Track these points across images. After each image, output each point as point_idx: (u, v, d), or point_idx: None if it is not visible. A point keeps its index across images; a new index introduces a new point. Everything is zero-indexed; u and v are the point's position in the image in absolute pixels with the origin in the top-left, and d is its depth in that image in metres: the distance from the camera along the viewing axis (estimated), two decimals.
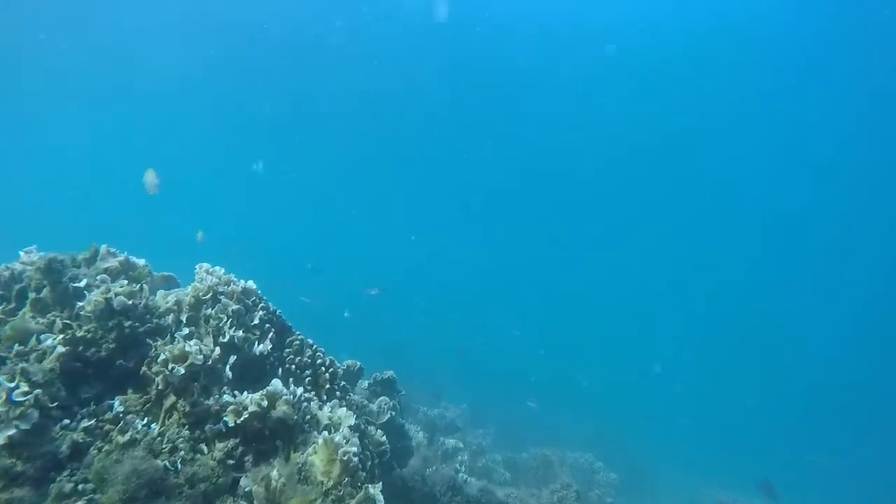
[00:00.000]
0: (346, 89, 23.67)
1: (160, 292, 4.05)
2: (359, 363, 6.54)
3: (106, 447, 3.07)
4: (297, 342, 4.52)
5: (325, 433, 3.61)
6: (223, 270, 4.47)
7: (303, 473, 3.36)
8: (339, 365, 4.66)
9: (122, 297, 3.55)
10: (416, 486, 5.89)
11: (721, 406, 33.83)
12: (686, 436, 23.14)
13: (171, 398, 3.51)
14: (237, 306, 4.18)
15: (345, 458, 3.35)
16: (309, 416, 3.78)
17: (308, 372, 4.38)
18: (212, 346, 3.85)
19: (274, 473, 3.29)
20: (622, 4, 17.72)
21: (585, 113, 23.07)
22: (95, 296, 3.50)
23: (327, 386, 4.40)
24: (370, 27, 19.61)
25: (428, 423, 12.87)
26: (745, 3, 16.99)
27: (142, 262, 4.25)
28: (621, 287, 39.04)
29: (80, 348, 3.36)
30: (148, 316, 3.76)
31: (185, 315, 3.93)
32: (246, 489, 3.24)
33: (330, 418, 3.89)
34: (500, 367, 23.20)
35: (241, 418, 3.50)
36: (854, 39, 17.08)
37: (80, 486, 2.82)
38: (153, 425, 3.32)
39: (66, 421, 3.09)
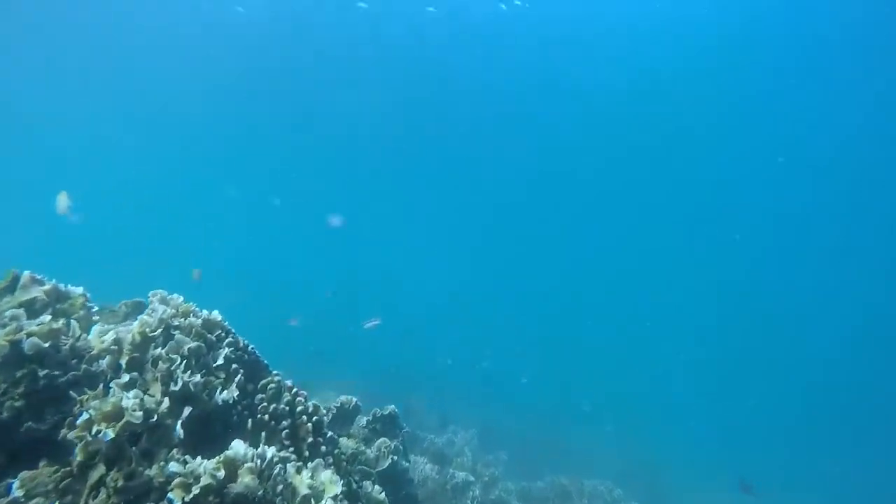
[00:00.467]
0: (350, 100, 23.21)
1: (95, 329, 3.24)
2: (354, 399, 5.70)
3: None
4: (273, 385, 3.69)
5: None
6: (182, 299, 3.66)
7: None
8: (324, 412, 3.82)
9: (35, 339, 2.74)
10: None
11: (737, 412, 33.36)
12: (705, 446, 22.27)
13: (100, 470, 2.68)
14: (196, 343, 3.36)
15: None
16: (283, 486, 2.93)
17: (286, 423, 3.54)
18: (159, 396, 3.03)
19: None
20: (624, 9, 17.19)
21: (584, 116, 22.53)
22: None
23: (309, 439, 3.55)
24: (379, 37, 19.22)
25: (436, 452, 11.94)
26: (744, 4, 16.49)
27: (78, 290, 3.45)
28: (621, 294, 38.53)
29: None
30: (75, 361, 2.95)
31: (126, 358, 3.11)
32: None
33: (311, 486, 3.04)
34: (509, 387, 22.30)
35: (191, 495, 2.66)
36: (855, 39, 16.59)
37: None
38: None
39: None
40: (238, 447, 2.85)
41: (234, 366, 3.51)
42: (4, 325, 2.77)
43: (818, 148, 21.19)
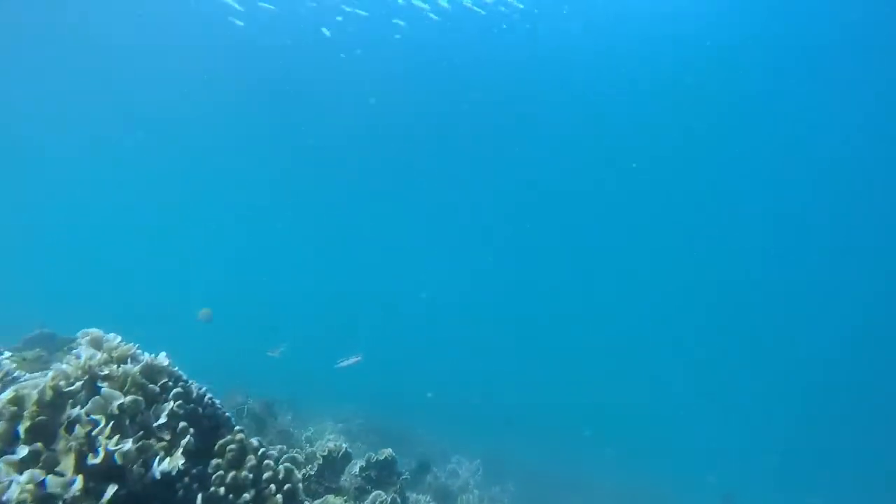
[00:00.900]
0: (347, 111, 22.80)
1: None
2: (344, 446, 4.91)
3: None
4: (234, 447, 2.93)
5: None
6: (118, 340, 2.92)
7: None
8: (298, 477, 3.04)
9: None
10: None
11: (736, 416, 32.84)
12: (711, 461, 21.57)
13: None
14: (130, 398, 2.62)
15: None
16: None
17: (248, 497, 2.77)
18: (70, 474, 2.27)
19: None
20: (622, 9, 16.89)
21: (578, 118, 22.16)
22: None
23: None
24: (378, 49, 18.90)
25: (439, 488, 11.05)
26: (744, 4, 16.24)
27: None
28: (618, 296, 38.04)
29: None
30: None
31: (28, 423, 2.36)
32: None
33: None
34: (514, 412, 21.51)
35: None
36: (856, 39, 16.36)
37: None
38: None
39: None
40: None
41: (181, 424, 2.75)
42: None
43: (817, 148, 20.88)
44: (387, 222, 34.22)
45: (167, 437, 2.68)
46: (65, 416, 2.48)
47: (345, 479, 5.26)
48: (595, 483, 16.45)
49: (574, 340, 41.70)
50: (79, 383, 2.55)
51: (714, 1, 15.94)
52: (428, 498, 10.11)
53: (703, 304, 35.94)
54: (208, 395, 3.10)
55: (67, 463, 2.33)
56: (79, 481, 2.24)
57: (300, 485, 2.98)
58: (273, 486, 2.85)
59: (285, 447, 5.60)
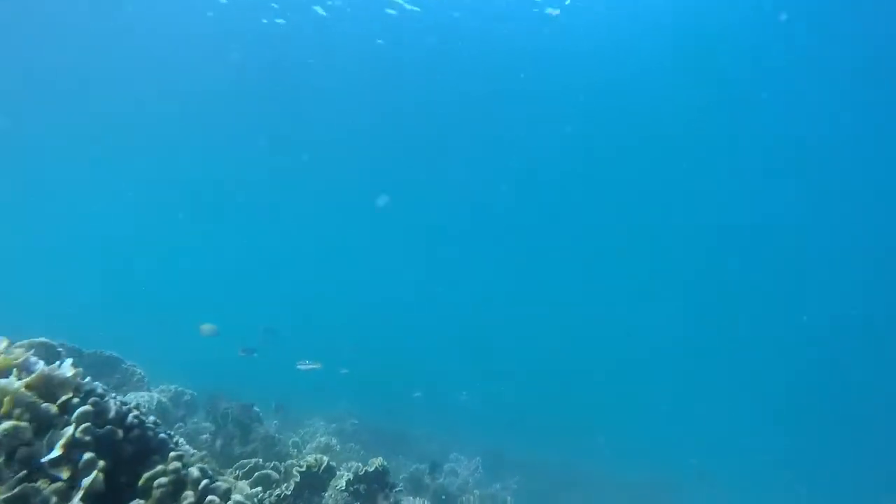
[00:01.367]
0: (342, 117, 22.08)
1: None
2: (326, 459, 4.22)
3: None
4: (166, 480, 2.21)
5: None
6: (4, 345, 2.19)
7: None
8: None
9: None
10: None
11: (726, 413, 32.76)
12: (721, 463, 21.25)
13: None
14: (10, 424, 1.89)
15: None
16: None
17: None
18: None
19: None
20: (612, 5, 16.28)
21: (580, 122, 21.58)
22: None
23: None
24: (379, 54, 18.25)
25: (437, 489, 10.41)
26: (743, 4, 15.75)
27: None
28: (615, 297, 37.79)
29: None
30: None
31: None
32: None
33: None
34: (514, 411, 21.06)
35: None
36: (855, 39, 15.99)
37: None
38: None
39: None
40: None
41: (87, 455, 2.03)
42: None
43: (816, 147, 20.51)
44: (386, 222, 33.45)
45: (64, 476, 1.96)
46: None
47: (329, 496, 4.57)
48: (594, 474, 15.97)
49: (571, 340, 41.46)
50: None
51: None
52: (426, 501, 9.49)
53: (699, 303, 35.63)
54: (134, 413, 2.37)
55: None
56: None
57: None
58: None
59: (260, 460, 4.88)
